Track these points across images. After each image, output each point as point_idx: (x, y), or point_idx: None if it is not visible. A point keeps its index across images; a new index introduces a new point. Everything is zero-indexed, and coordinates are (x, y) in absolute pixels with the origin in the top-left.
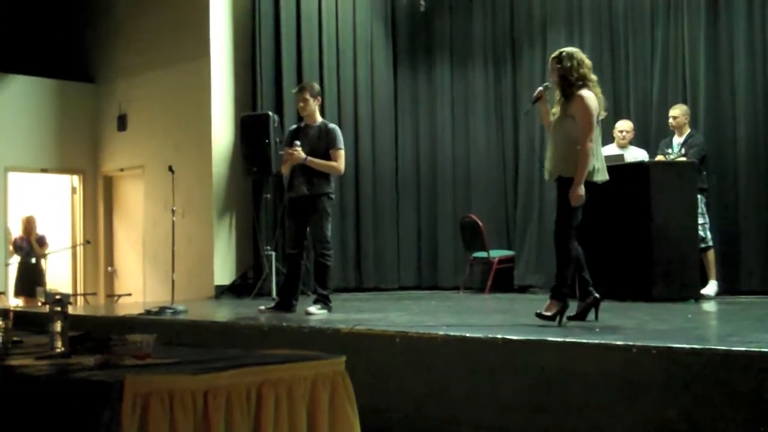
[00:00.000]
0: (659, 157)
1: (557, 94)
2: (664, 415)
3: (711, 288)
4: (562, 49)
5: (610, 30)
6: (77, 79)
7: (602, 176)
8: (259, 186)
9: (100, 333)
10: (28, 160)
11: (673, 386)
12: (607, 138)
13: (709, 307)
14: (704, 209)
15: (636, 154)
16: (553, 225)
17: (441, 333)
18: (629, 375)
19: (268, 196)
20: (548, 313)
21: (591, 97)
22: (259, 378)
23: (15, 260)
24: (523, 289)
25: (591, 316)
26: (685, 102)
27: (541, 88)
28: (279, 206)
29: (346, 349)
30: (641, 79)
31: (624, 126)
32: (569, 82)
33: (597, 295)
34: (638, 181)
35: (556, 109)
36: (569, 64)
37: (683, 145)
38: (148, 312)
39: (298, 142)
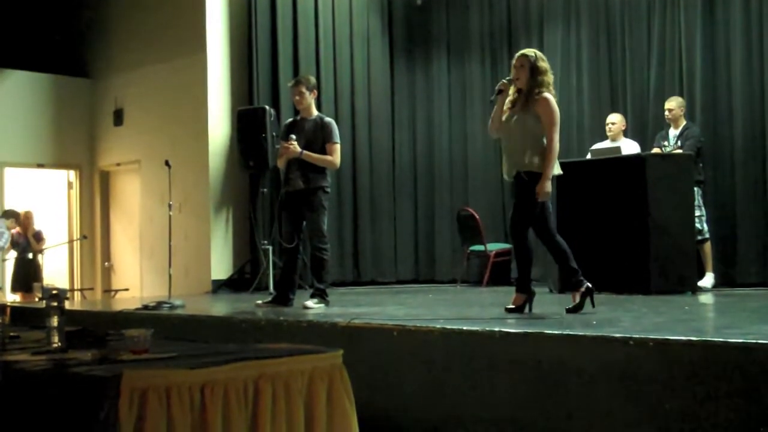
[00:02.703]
0: (655, 150)
1: (511, 91)
2: (661, 407)
3: (708, 280)
4: (529, 50)
5: (607, 23)
6: (73, 74)
7: (557, 170)
8: (256, 180)
9: (97, 328)
10: (24, 155)
11: (671, 378)
12: (600, 133)
13: (706, 299)
14: (701, 201)
15: (627, 146)
16: (513, 222)
17: (438, 326)
18: (627, 367)
19: (265, 190)
20: (515, 306)
21: (554, 101)
22: (257, 372)
23: (12, 255)
24: None
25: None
26: (681, 94)
27: (505, 81)
28: (276, 200)
29: (343, 342)
30: (638, 71)
31: (610, 119)
32: (538, 81)
33: (590, 284)
34: (634, 174)
35: (506, 106)
36: (540, 65)
37: (679, 137)
38: (145, 307)
39: (293, 136)
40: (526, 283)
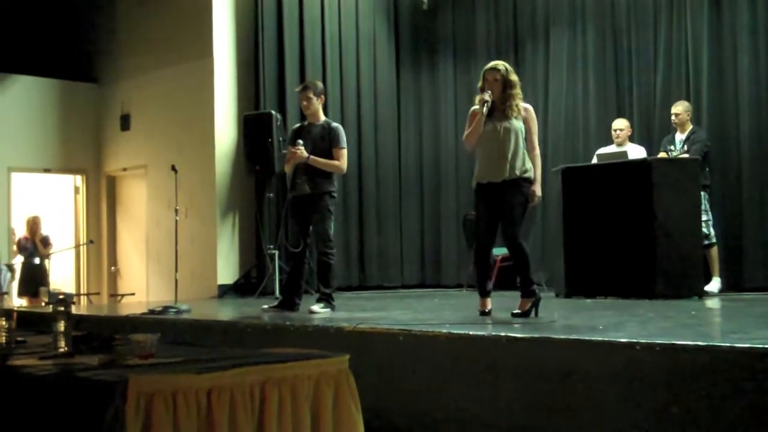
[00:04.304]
0: (662, 154)
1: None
2: (667, 412)
3: (714, 285)
4: (500, 63)
5: (613, 26)
6: (80, 79)
7: None
8: (262, 185)
9: (104, 333)
10: (31, 160)
11: (677, 383)
12: (607, 138)
13: (713, 304)
14: (707, 206)
15: (633, 152)
16: (511, 227)
17: (444, 331)
18: (633, 372)
19: (271, 195)
20: (521, 310)
21: None
22: (263, 377)
23: (19, 260)
24: None
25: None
26: (688, 98)
27: (488, 95)
28: (282, 205)
29: (349, 347)
30: (644, 75)
31: (617, 125)
32: (511, 94)
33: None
34: (641, 179)
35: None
36: (512, 79)
37: (686, 141)
38: (152, 311)
39: (300, 141)
40: (531, 286)
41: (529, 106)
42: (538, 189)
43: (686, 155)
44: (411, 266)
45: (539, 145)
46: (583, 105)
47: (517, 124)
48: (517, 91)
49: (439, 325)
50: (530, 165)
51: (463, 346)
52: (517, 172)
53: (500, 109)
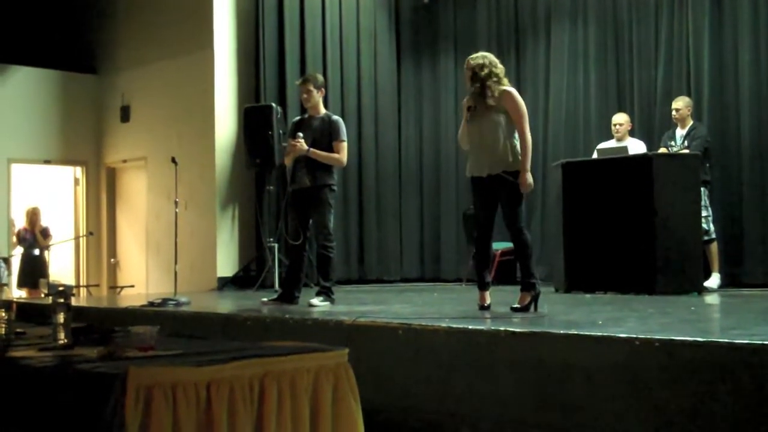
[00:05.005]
0: (662, 150)
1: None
2: (666, 407)
3: (714, 281)
4: (474, 54)
5: (615, 21)
6: (80, 70)
7: None
8: (262, 178)
9: (103, 325)
10: (31, 151)
11: (676, 378)
12: (607, 132)
13: (712, 299)
14: (707, 202)
15: (634, 146)
16: (510, 220)
17: (444, 325)
18: (632, 367)
19: (271, 187)
20: (521, 305)
21: (517, 93)
22: (262, 370)
23: (18, 251)
24: None
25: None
26: (688, 94)
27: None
28: (282, 198)
29: (348, 341)
30: (645, 70)
31: (617, 119)
32: (494, 79)
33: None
34: (641, 174)
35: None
36: (476, 63)
37: (686, 137)
38: (151, 304)
39: (300, 134)
40: (531, 279)
41: (511, 90)
42: (528, 177)
43: (686, 151)
44: (410, 260)
45: (542, 140)
46: (584, 99)
47: (497, 116)
48: (482, 73)
49: (439, 320)
50: (514, 157)
51: (462, 341)
52: (500, 168)
53: (484, 97)
